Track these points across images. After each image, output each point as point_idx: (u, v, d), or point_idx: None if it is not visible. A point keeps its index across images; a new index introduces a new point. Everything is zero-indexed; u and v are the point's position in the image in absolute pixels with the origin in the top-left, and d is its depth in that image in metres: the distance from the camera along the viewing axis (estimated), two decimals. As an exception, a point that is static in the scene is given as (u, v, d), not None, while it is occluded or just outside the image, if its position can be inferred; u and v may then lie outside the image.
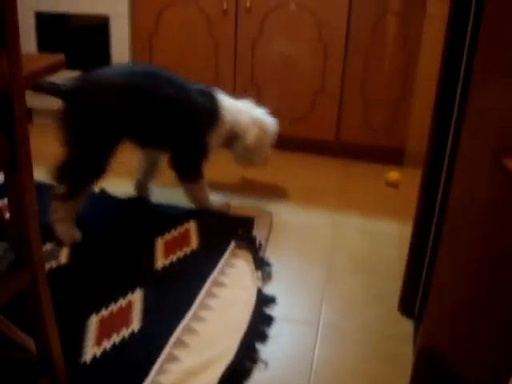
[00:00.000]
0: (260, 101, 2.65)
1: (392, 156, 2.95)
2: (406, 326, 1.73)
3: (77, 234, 2.16)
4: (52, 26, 3.25)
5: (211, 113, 2.27)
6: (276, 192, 2.68)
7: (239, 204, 2.54)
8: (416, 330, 1.53)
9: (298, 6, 2.87)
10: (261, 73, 3.03)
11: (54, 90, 2.02)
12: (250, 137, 2.37)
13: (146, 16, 3.09)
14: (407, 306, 1.50)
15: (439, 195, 1.39)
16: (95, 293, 1.84)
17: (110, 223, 2.30)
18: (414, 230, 1.44)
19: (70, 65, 2.67)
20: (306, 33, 2.90)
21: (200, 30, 3.03)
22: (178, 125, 2.22)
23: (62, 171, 2.09)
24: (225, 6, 2.95)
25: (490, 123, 1.24)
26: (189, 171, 2.35)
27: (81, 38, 3.27)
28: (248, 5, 2.92)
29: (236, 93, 2.99)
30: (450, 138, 1.37)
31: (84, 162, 2.09)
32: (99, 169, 2.10)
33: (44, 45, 3.30)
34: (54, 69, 1.32)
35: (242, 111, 2.39)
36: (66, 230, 2.13)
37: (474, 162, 1.27)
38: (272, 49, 2.96)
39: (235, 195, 2.64)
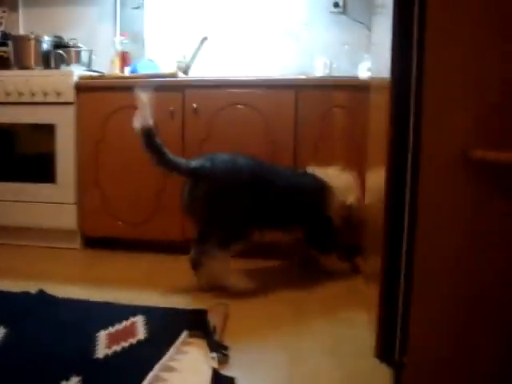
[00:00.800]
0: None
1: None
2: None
3: (248, 282, 2.43)
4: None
5: (322, 188, 2.56)
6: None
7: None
8: (398, 382, 1.32)
9: (245, 105, 2.86)
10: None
11: (178, 169, 2.33)
12: (351, 196, 2.61)
13: (92, 122, 3.03)
14: (385, 351, 1.29)
15: (405, 220, 1.26)
16: (24, 380, 1.56)
17: (46, 320, 2.04)
18: (382, 253, 1.28)
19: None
20: (254, 130, 2.87)
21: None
22: (300, 206, 2.51)
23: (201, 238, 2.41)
24: (171, 108, 2.92)
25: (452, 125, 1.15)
26: (324, 245, 2.63)
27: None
28: (195, 106, 2.90)
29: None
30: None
31: (228, 229, 2.36)
32: (242, 232, 2.38)
33: None
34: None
35: (337, 177, 2.63)
36: (238, 279, 2.43)
37: (439, 166, 1.17)
38: (220, 149, 2.90)
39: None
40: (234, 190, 2.35)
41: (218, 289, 2.43)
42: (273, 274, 2.55)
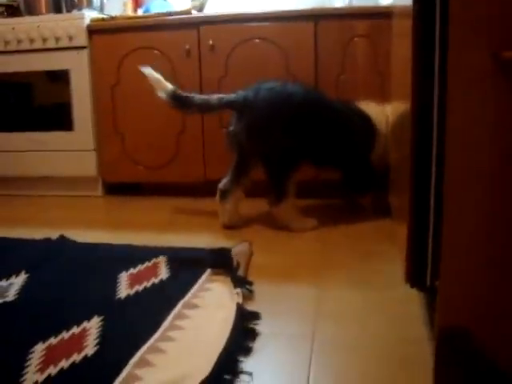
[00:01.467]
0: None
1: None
2: (418, 330, 1.44)
3: (312, 221, 2.37)
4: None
5: (371, 131, 2.43)
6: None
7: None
8: (431, 309, 1.24)
9: (262, 39, 2.74)
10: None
11: (227, 106, 2.30)
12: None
13: (107, 66, 2.95)
14: (416, 275, 1.22)
15: (434, 131, 1.16)
16: (43, 323, 1.53)
17: (68, 264, 2.01)
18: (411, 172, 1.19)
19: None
20: (274, 65, 2.75)
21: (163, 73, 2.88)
22: (347, 145, 2.39)
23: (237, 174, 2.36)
24: (187, 46, 2.82)
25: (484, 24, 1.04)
26: (362, 187, 2.56)
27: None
28: (211, 42, 2.79)
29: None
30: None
31: (277, 161, 2.27)
32: (292, 161, 2.28)
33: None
34: None
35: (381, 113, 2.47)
36: (303, 220, 2.36)
37: (469, 75, 1.06)
38: (239, 86, 2.79)
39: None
40: (278, 120, 2.25)
41: (243, 228, 2.37)
42: (302, 211, 2.47)
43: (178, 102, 2.26)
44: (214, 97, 2.30)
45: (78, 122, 3.04)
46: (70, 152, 3.07)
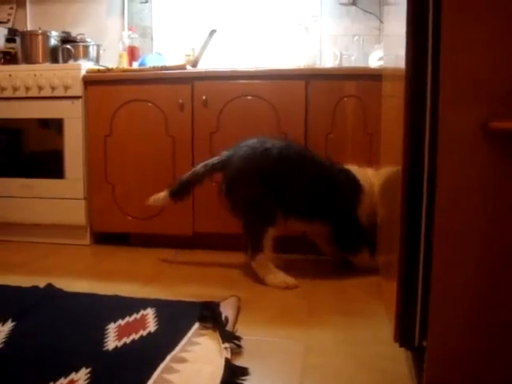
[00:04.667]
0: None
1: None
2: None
3: (290, 279, 2.32)
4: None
5: (356, 187, 2.47)
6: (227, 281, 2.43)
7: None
8: (419, 367, 1.26)
9: (255, 96, 2.81)
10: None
11: (212, 170, 2.42)
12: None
13: (100, 117, 3.00)
14: (404, 335, 1.24)
15: (424, 192, 1.21)
16: (30, 373, 1.52)
17: (55, 314, 2.00)
18: (400, 233, 1.23)
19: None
20: (265, 122, 2.82)
21: (156, 126, 2.94)
22: (330, 199, 2.42)
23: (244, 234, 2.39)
24: (181, 100, 2.88)
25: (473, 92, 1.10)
26: (350, 245, 2.53)
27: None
28: (204, 98, 2.86)
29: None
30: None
31: (252, 214, 2.33)
32: (268, 214, 2.31)
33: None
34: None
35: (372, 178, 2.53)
36: (277, 276, 2.32)
37: (458, 142, 1.12)
38: (230, 141, 2.84)
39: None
40: (254, 173, 2.33)
41: (229, 281, 2.39)
42: (288, 266, 2.49)
43: (179, 194, 2.47)
44: (200, 165, 2.44)
45: (69, 170, 3.07)
46: (60, 200, 3.09)
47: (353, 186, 2.48)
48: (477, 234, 1.13)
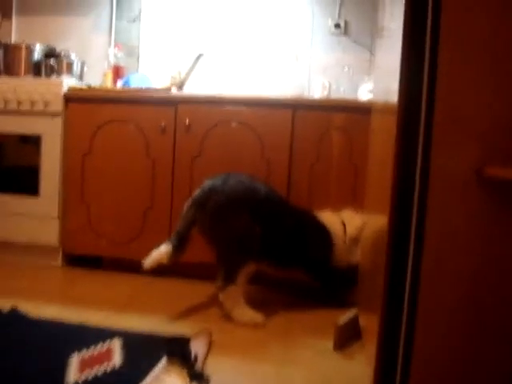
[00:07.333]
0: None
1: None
2: None
3: (258, 316, 2.24)
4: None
5: (326, 236, 2.47)
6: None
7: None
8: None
9: (239, 123, 2.75)
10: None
11: (198, 205, 2.31)
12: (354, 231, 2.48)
13: (80, 135, 2.91)
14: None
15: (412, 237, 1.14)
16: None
17: (17, 340, 1.90)
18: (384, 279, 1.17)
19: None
20: (249, 149, 2.75)
21: (137, 148, 2.86)
22: (300, 250, 2.41)
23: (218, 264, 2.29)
24: (163, 123, 2.81)
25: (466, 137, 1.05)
26: (331, 284, 2.56)
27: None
28: (187, 122, 2.79)
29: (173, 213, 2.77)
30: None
31: (235, 245, 2.25)
32: (251, 248, 2.25)
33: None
34: None
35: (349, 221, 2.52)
36: (245, 313, 2.24)
37: (449, 185, 1.06)
38: (212, 167, 2.77)
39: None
40: (244, 207, 2.29)
41: (203, 312, 2.30)
42: (262, 302, 2.40)
43: (182, 246, 2.30)
44: (185, 209, 2.35)
45: (44, 187, 2.98)
46: (33, 217, 2.98)
47: (323, 233, 2.48)
48: (464, 282, 1.07)
